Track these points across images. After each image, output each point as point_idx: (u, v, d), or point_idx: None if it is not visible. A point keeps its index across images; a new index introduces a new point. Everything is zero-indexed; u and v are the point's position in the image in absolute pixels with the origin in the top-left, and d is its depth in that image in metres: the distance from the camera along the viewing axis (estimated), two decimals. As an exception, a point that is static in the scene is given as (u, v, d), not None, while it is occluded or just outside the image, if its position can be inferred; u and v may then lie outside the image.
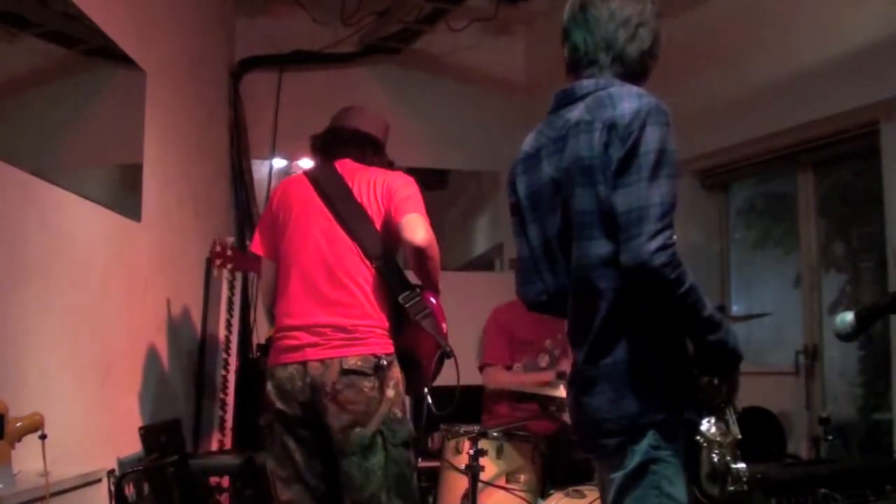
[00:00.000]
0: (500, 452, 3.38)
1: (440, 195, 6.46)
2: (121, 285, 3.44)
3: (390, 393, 2.67)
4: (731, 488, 1.85)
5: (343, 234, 2.75)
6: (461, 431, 3.41)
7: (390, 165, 3.06)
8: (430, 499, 3.97)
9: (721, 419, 1.88)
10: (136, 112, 3.65)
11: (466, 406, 4.13)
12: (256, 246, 2.93)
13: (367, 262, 2.72)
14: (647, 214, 1.74)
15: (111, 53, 3.37)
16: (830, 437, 3.52)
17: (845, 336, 1.95)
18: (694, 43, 4.11)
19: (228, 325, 4.54)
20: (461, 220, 7.15)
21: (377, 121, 3.07)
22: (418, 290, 2.75)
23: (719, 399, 1.89)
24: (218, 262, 4.15)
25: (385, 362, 2.66)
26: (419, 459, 4.34)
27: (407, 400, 2.83)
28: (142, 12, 3.70)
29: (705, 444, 1.84)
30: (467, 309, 4.72)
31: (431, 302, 2.77)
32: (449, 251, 7.18)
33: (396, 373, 2.70)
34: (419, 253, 2.69)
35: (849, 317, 1.93)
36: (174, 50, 4.15)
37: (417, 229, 2.70)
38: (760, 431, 3.94)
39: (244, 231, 5.26)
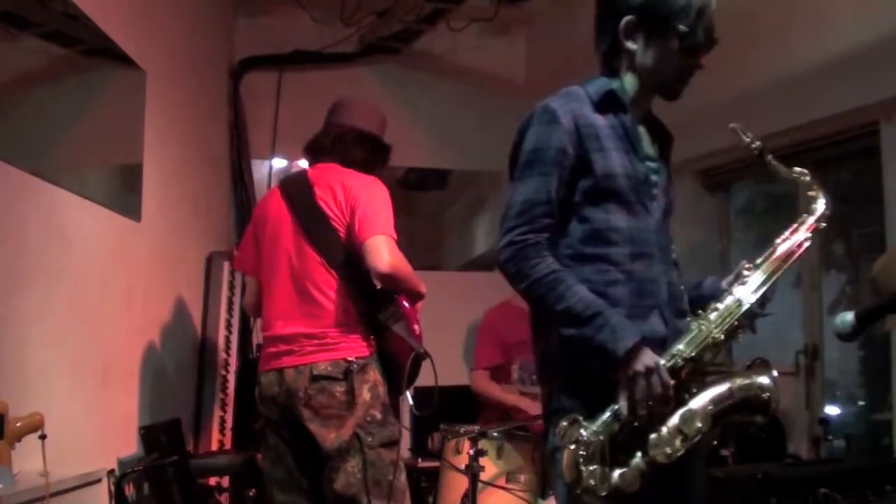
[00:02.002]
0: (500, 452, 3.39)
1: (440, 195, 6.46)
2: (121, 285, 3.44)
3: (366, 396, 2.70)
4: (578, 491, 1.77)
5: (308, 245, 2.80)
6: (461, 431, 3.41)
7: (383, 159, 3.02)
8: (430, 499, 3.97)
9: (607, 419, 1.78)
10: (136, 112, 3.65)
11: (464, 406, 4.16)
12: (240, 263, 3.03)
13: (332, 272, 2.76)
14: (506, 213, 1.87)
15: (111, 53, 3.37)
16: (830, 437, 3.53)
17: (845, 336, 1.95)
18: (694, 43, 4.11)
19: (228, 325, 4.54)
20: (461, 220, 7.14)
21: (371, 114, 3.04)
22: (389, 294, 2.78)
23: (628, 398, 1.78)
24: None
25: (356, 366, 2.70)
26: (419, 459, 4.37)
27: (408, 400, 2.85)
28: (142, 12, 3.70)
29: (562, 440, 1.78)
30: (467, 309, 4.73)
31: (404, 305, 2.81)
32: (449, 251, 7.19)
33: (373, 376, 2.73)
34: (385, 279, 2.71)
35: (849, 317, 1.93)
36: (174, 50, 4.14)
37: (381, 254, 2.68)
38: (760, 431, 3.94)
39: (244, 231, 5.26)
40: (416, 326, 2.81)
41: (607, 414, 1.78)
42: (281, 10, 5.41)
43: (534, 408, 3.73)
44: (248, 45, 5.37)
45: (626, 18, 1.92)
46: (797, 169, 2.00)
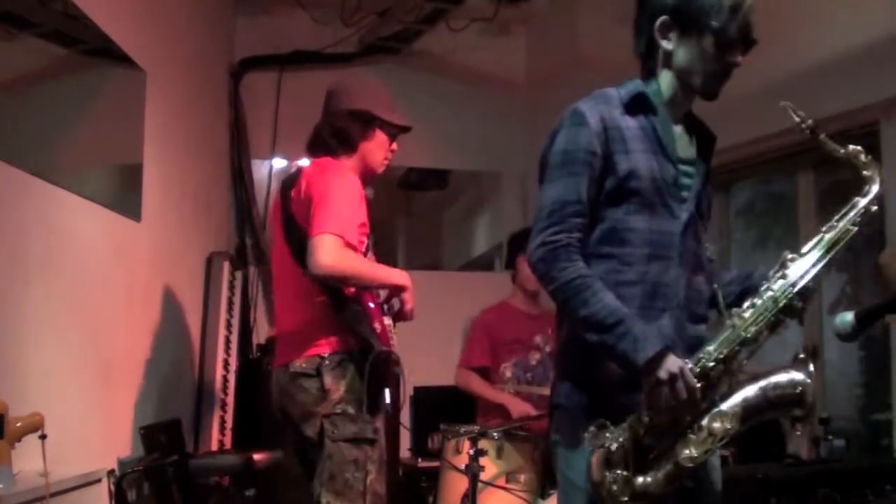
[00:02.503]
0: (500, 452, 3.38)
1: (440, 195, 6.45)
2: (121, 285, 3.44)
3: (340, 391, 2.69)
4: (604, 494, 1.79)
5: (285, 244, 2.82)
6: (461, 431, 3.41)
7: (366, 123, 2.88)
8: (430, 499, 3.97)
9: (628, 426, 1.80)
10: (136, 112, 3.65)
11: (464, 406, 4.16)
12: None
13: (304, 271, 2.72)
14: (538, 215, 1.90)
15: (111, 53, 3.37)
16: (830, 437, 3.53)
17: (845, 336, 1.95)
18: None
19: (228, 325, 4.54)
20: (461, 220, 7.14)
21: (360, 89, 2.96)
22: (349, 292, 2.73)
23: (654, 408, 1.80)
24: None
25: (329, 362, 2.70)
26: (419, 459, 4.37)
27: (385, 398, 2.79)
28: (142, 12, 3.70)
29: (590, 444, 1.81)
30: (467, 309, 4.73)
31: (367, 304, 2.74)
32: (449, 251, 7.19)
33: (352, 371, 2.72)
34: (321, 281, 2.66)
35: (849, 317, 1.92)
36: (174, 50, 4.14)
37: (316, 255, 2.59)
38: (760, 431, 3.94)
39: (244, 231, 5.26)
40: (376, 325, 2.71)
41: (633, 419, 1.80)
42: (281, 10, 5.41)
43: (518, 407, 3.72)
44: (248, 45, 5.37)
45: (661, 18, 1.93)
46: (852, 147, 1.93)
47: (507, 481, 3.37)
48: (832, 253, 1.89)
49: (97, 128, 3.32)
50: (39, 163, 2.80)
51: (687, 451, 1.77)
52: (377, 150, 2.91)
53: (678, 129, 2.00)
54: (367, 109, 2.87)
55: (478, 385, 3.99)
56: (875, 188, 1.91)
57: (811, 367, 1.85)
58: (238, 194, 5.27)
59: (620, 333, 1.77)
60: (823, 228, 1.91)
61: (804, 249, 1.90)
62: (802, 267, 1.88)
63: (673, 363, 1.76)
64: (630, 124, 1.92)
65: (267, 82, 5.35)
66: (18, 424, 2.31)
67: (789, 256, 1.90)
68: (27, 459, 2.35)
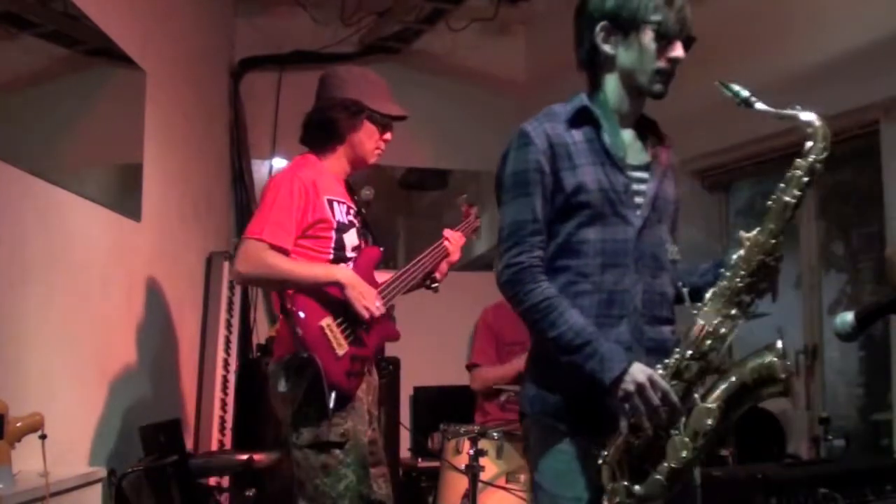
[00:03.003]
0: (500, 452, 3.38)
1: (440, 195, 6.45)
2: (121, 285, 3.44)
3: (298, 396, 2.63)
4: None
5: None
6: (461, 431, 3.41)
7: (354, 114, 2.83)
8: (430, 499, 3.97)
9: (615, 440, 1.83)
10: (136, 112, 3.65)
11: (464, 406, 4.16)
12: None
13: None
14: (499, 238, 1.96)
15: (111, 53, 3.37)
16: (830, 437, 3.52)
17: (845, 336, 1.95)
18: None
19: (228, 325, 4.54)
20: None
21: (350, 78, 2.90)
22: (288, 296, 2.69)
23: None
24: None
25: (288, 365, 2.67)
26: (419, 459, 4.37)
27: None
28: (142, 12, 3.70)
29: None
30: (467, 309, 4.72)
31: (293, 309, 2.65)
32: (449, 251, 7.18)
33: (311, 373, 2.63)
34: (242, 286, 2.70)
35: (849, 317, 1.92)
36: (174, 50, 4.14)
37: (235, 261, 2.68)
38: (760, 431, 3.94)
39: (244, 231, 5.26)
40: (298, 329, 2.59)
41: (616, 436, 1.83)
42: (281, 10, 5.41)
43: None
44: (248, 45, 5.37)
45: (601, 24, 1.95)
46: (789, 111, 1.90)
47: (507, 481, 3.37)
48: (785, 220, 1.87)
49: (97, 128, 3.33)
50: (39, 163, 2.80)
51: (677, 452, 1.80)
52: (367, 140, 2.86)
53: (628, 136, 2.02)
54: (356, 99, 2.83)
55: (493, 374, 3.96)
56: (818, 145, 1.88)
57: (780, 345, 1.84)
58: (238, 194, 5.27)
59: (588, 354, 1.82)
60: (772, 199, 1.89)
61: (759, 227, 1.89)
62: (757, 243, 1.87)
63: (639, 373, 1.79)
64: (576, 139, 1.95)
65: (267, 82, 5.36)
66: (18, 424, 2.31)
67: (744, 236, 1.90)
68: (27, 459, 2.35)
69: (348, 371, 2.63)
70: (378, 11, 5.30)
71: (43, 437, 2.32)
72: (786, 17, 3.91)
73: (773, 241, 1.87)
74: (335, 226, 2.75)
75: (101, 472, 2.69)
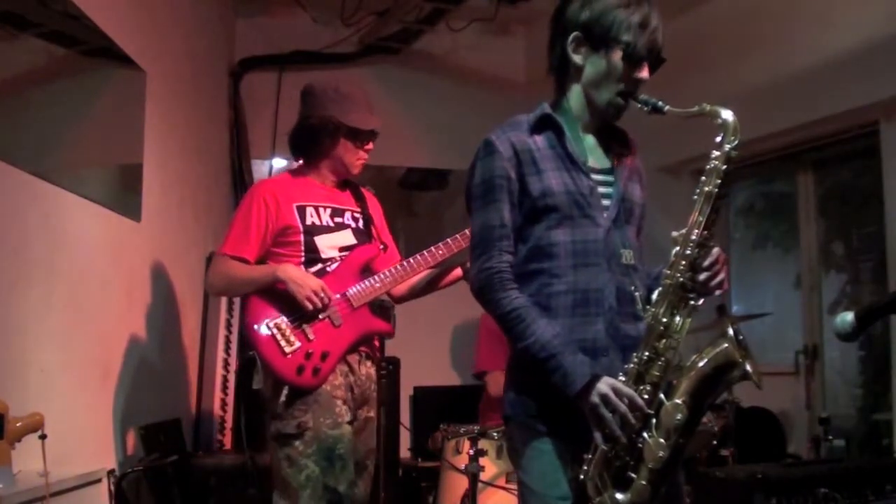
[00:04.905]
0: (500, 452, 3.38)
1: (440, 195, 6.45)
2: (121, 285, 3.44)
3: (267, 388, 2.79)
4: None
5: None
6: (461, 431, 3.41)
7: (332, 132, 2.94)
8: (430, 499, 3.97)
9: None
10: (136, 112, 3.65)
11: (464, 406, 4.15)
12: None
13: None
14: (470, 246, 2.02)
15: (111, 53, 3.37)
16: (830, 437, 3.53)
17: (845, 336, 1.95)
18: (693, 43, 4.11)
19: (228, 325, 4.54)
20: (461, 220, 7.13)
21: (329, 93, 3.00)
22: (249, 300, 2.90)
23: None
24: None
25: (250, 364, 2.85)
26: (419, 459, 4.37)
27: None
28: (142, 12, 3.70)
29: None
30: (467, 309, 4.73)
31: (243, 311, 2.93)
32: (449, 251, 7.18)
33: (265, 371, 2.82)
34: (213, 296, 2.86)
35: (849, 317, 1.93)
36: (174, 50, 4.15)
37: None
38: (760, 431, 3.94)
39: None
40: (245, 330, 2.84)
41: (593, 449, 1.85)
42: (281, 10, 5.41)
43: None
44: (248, 45, 5.37)
45: (573, 34, 1.98)
46: (697, 107, 1.92)
47: (507, 481, 3.37)
48: (710, 214, 1.90)
49: (97, 128, 3.33)
50: (40, 163, 2.80)
51: (654, 453, 1.82)
52: (346, 154, 2.97)
53: (591, 142, 2.06)
54: (333, 117, 2.94)
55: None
56: (728, 136, 1.92)
57: (728, 329, 1.86)
58: (238, 194, 5.27)
59: (552, 368, 1.85)
60: (696, 192, 1.93)
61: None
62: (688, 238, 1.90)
63: (603, 385, 1.82)
64: (540, 145, 1.99)
65: (267, 82, 5.35)
66: (18, 424, 2.31)
67: (675, 235, 1.92)
68: (27, 459, 2.35)
69: (300, 366, 2.73)
70: (378, 11, 5.29)
71: (43, 437, 2.32)
72: (786, 18, 3.92)
73: (705, 232, 1.89)
74: (302, 229, 2.87)
75: (101, 472, 2.69)
